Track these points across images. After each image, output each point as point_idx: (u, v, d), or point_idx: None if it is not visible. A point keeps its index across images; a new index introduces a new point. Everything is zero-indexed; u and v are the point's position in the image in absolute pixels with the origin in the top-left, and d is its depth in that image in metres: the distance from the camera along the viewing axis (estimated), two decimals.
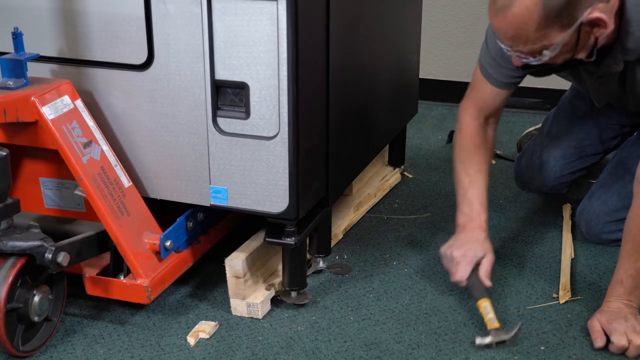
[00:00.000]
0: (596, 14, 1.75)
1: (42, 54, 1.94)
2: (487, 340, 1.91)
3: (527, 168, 2.54)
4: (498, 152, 2.99)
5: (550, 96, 3.26)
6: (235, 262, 1.97)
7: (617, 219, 2.24)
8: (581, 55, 1.85)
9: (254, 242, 2.05)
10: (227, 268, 1.98)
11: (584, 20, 1.75)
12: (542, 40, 1.76)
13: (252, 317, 2.00)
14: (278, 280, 2.08)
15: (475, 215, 2.09)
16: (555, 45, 1.77)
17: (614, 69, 1.96)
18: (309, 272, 2.17)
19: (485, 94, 2.15)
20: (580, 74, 2.13)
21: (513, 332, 1.91)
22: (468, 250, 2.03)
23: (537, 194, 2.65)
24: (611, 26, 1.79)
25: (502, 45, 1.84)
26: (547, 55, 1.79)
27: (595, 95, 2.25)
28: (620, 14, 1.83)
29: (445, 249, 2.08)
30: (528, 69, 1.91)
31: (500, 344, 1.91)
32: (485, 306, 1.97)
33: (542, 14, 1.72)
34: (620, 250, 1.91)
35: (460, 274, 2.01)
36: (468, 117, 2.17)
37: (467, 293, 2.08)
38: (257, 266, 2.05)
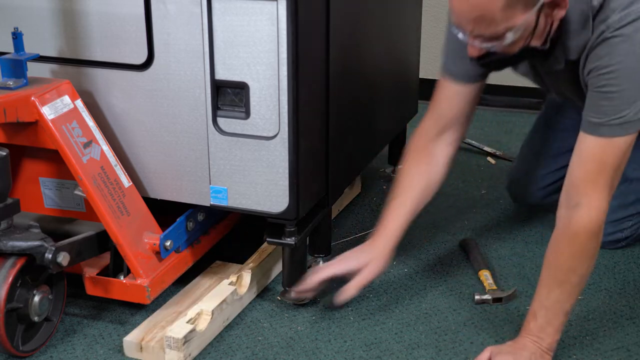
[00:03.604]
0: None
1: (42, 54, 1.93)
2: (485, 296, 2.05)
3: (513, 185, 2.52)
4: (498, 152, 3.00)
5: None
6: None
7: (615, 220, 2.24)
8: (536, 43, 1.74)
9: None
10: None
11: (545, 0, 1.66)
12: (506, 21, 1.65)
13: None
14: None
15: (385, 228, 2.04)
16: (519, 27, 1.66)
17: (556, 67, 1.86)
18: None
19: (446, 97, 2.02)
20: (538, 70, 2.01)
21: (510, 292, 2.07)
22: (350, 256, 2.00)
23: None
24: (567, 6, 1.72)
25: (460, 34, 1.73)
26: (509, 38, 1.67)
27: (556, 90, 2.12)
28: None
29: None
30: (484, 59, 1.79)
31: (497, 300, 2.05)
32: (485, 275, 2.14)
33: None
34: (539, 279, 1.84)
35: (308, 283, 1.99)
36: (416, 132, 2.06)
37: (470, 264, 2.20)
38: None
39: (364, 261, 1.96)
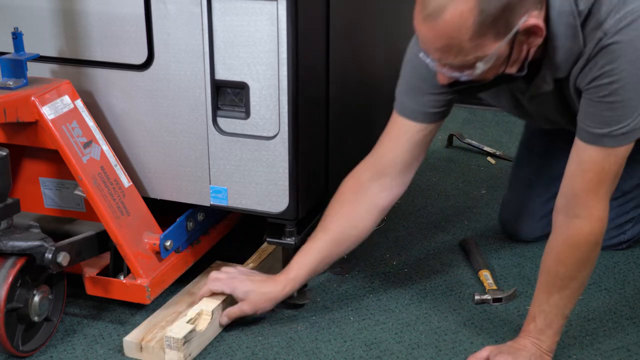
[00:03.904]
0: (533, 21, 1.56)
1: (42, 54, 1.93)
2: (485, 296, 2.06)
3: (509, 220, 2.38)
4: (498, 152, 3.00)
5: None
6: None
7: (615, 226, 2.24)
8: (512, 70, 1.64)
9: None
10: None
11: (520, 29, 1.55)
12: (475, 50, 1.55)
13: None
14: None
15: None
16: (490, 57, 1.56)
17: (544, 89, 1.75)
18: None
19: (391, 137, 1.91)
20: (517, 97, 1.89)
21: (510, 292, 2.07)
22: (247, 282, 1.93)
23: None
24: (544, 35, 1.61)
25: (428, 60, 1.62)
26: (480, 68, 1.57)
27: (540, 117, 1.99)
28: (546, 27, 1.61)
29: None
30: (455, 87, 1.68)
31: (497, 300, 2.05)
32: (485, 274, 2.15)
33: (477, 21, 1.51)
34: (537, 283, 1.80)
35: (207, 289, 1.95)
36: (349, 175, 1.96)
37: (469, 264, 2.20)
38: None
39: (248, 293, 1.91)
